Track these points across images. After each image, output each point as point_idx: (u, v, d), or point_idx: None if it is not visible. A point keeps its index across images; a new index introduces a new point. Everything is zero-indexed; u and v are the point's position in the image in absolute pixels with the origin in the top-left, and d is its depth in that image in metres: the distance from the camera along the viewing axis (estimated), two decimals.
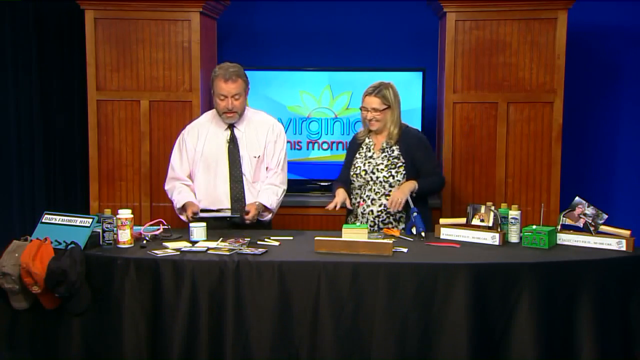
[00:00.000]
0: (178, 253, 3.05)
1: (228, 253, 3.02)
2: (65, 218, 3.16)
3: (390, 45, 5.01)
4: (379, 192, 3.67)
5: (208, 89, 4.68)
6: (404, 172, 3.66)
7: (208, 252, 3.07)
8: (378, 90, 3.67)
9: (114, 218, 3.16)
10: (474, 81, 4.42)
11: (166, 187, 3.77)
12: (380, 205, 3.65)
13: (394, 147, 3.70)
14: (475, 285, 2.86)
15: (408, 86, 4.71)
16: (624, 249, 3.12)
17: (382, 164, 3.68)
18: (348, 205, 3.65)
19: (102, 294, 2.99)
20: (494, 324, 2.89)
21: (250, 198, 3.66)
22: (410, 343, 2.86)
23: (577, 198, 3.27)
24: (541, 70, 4.38)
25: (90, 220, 3.13)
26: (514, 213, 3.27)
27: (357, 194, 3.75)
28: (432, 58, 4.82)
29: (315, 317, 2.89)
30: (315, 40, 5.05)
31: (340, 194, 3.65)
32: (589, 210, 3.22)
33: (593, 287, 2.94)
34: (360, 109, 3.72)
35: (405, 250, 3.13)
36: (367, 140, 3.78)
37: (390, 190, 3.63)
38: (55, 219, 3.18)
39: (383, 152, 3.70)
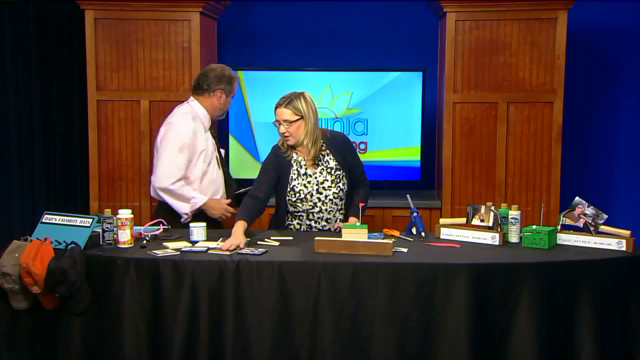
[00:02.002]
0: (178, 253, 3.05)
1: (228, 253, 3.02)
2: (65, 218, 3.16)
3: (390, 45, 5.01)
4: (332, 210, 3.51)
5: None
6: (346, 180, 3.51)
7: (208, 252, 3.07)
8: (289, 100, 3.38)
9: (114, 218, 3.15)
10: (474, 81, 4.43)
11: (171, 186, 3.65)
12: (336, 221, 3.52)
13: (328, 158, 3.48)
14: (475, 285, 2.86)
15: (408, 86, 4.71)
16: (624, 249, 3.12)
17: (327, 180, 3.46)
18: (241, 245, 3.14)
19: (102, 294, 2.99)
20: (494, 324, 2.89)
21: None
22: (410, 343, 2.86)
23: (577, 198, 3.27)
24: (541, 70, 4.38)
25: (90, 220, 3.13)
26: (514, 213, 3.27)
27: (301, 216, 3.51)
28: (432, 58, 4.82)
29: (315, 317, 2.88)
30: (315, 40, 5.05)
31: (238, 236, 3.15)
32: (589, 210, 3.22)
33: (593, 287, 2.94)
34: (274, 123, 3.44)
35: (405, 250, 3.12)
36: (294, 157, 3.48)
37: (342, 204, 3.52)
38: (55, 219, 3.18)
39: (318, 165, 3.48)
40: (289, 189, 3.47)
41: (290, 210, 3.52)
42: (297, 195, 3.47)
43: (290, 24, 5.07)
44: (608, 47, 4.96)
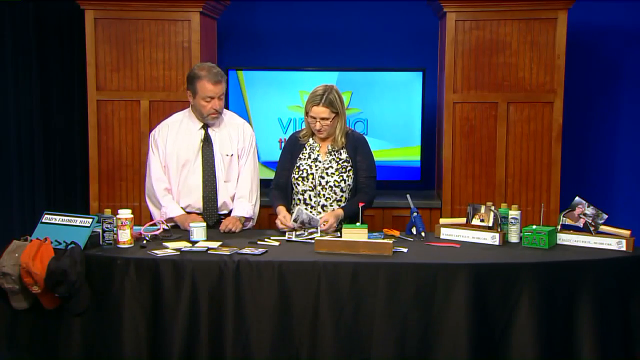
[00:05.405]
0: (178, 253, 3.05)
1: (228, 253, 3.02)
2: (65, 218, 3.16)
3: (390, 45, 5.01)
4: (329, 198, 3.52)
5: None
6: (353, 175, 3.55)
7: (208, 252, 3.07)
8: (324, 98, 3.43)
9: (114, 218, 3.15)
10: (474, 81, 4.42)
11: (152, 187, 3.66)
12: (332, 211, 3.49)
13: (341, 150, 3.54)
14: (475, 285, 2.86)
15: (408, 86, 4.71)
16: (624, 249, 3.12)
17: (332, 167, 3.52)
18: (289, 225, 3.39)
19: (102, 294, 2.99)
20: (494, 324, 2.89)
21: (221, 198, 3.64)
22: (410, 343, 2.86)
23: (577, 198, 3.27)
24: (541, 70, 4.38)
25: (90, 220, 3.13)
26: (514, 213, 3.27)
27: (299, 199, 3.57)
28: (432, 58, 4.82)
29: (315, 317, 2.88)
30: (316, 40, 5.05)
31: (282, 212, 3.45)
32: (589, 210, 3.22)
33: (593, 287, 2.94)
34: (306, 116, 3.51)
35: (405, 250, 3.13)
36: (310, 141, 3.59)
37: (342, 196, 3.52)
38: (55, 219, 3.18)
39: (330, 154, 3.54)
40: (295, 167, 3.57)
41: (294, 190, 3.59)
42: (300, 173, 3.55)
43: (290, 24, 5.06)
44: (608, 47, 4.95)
